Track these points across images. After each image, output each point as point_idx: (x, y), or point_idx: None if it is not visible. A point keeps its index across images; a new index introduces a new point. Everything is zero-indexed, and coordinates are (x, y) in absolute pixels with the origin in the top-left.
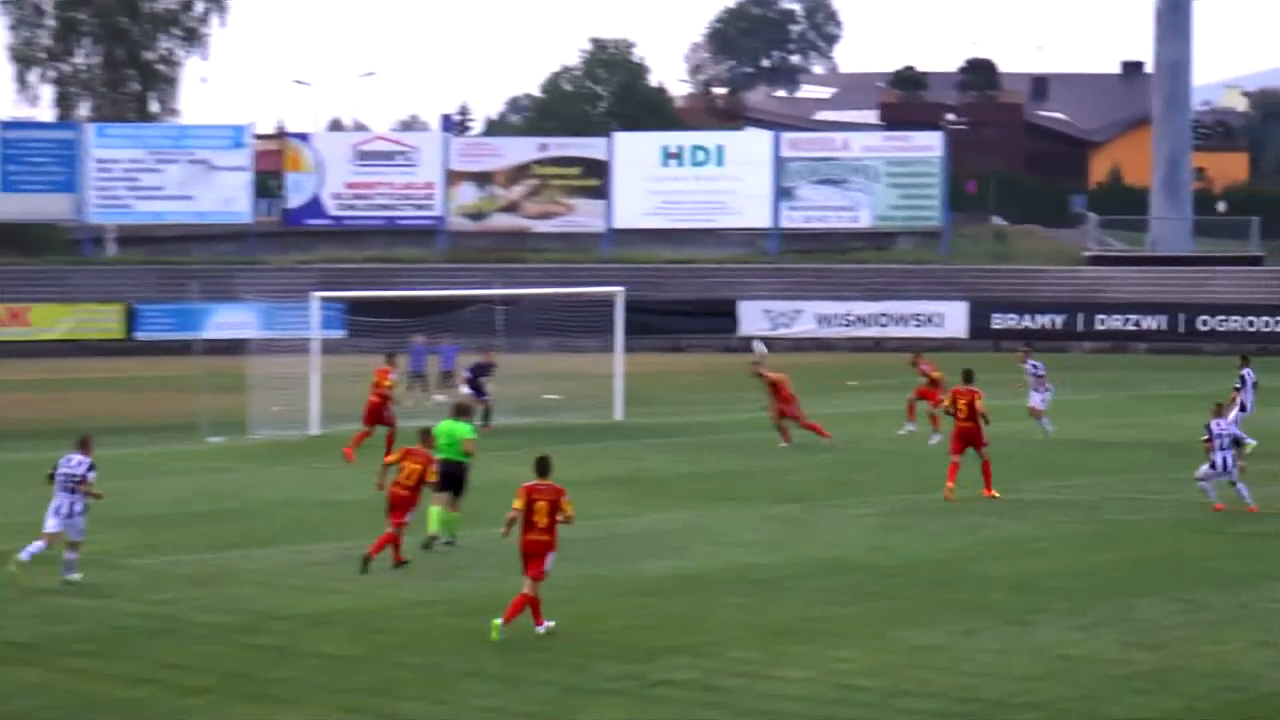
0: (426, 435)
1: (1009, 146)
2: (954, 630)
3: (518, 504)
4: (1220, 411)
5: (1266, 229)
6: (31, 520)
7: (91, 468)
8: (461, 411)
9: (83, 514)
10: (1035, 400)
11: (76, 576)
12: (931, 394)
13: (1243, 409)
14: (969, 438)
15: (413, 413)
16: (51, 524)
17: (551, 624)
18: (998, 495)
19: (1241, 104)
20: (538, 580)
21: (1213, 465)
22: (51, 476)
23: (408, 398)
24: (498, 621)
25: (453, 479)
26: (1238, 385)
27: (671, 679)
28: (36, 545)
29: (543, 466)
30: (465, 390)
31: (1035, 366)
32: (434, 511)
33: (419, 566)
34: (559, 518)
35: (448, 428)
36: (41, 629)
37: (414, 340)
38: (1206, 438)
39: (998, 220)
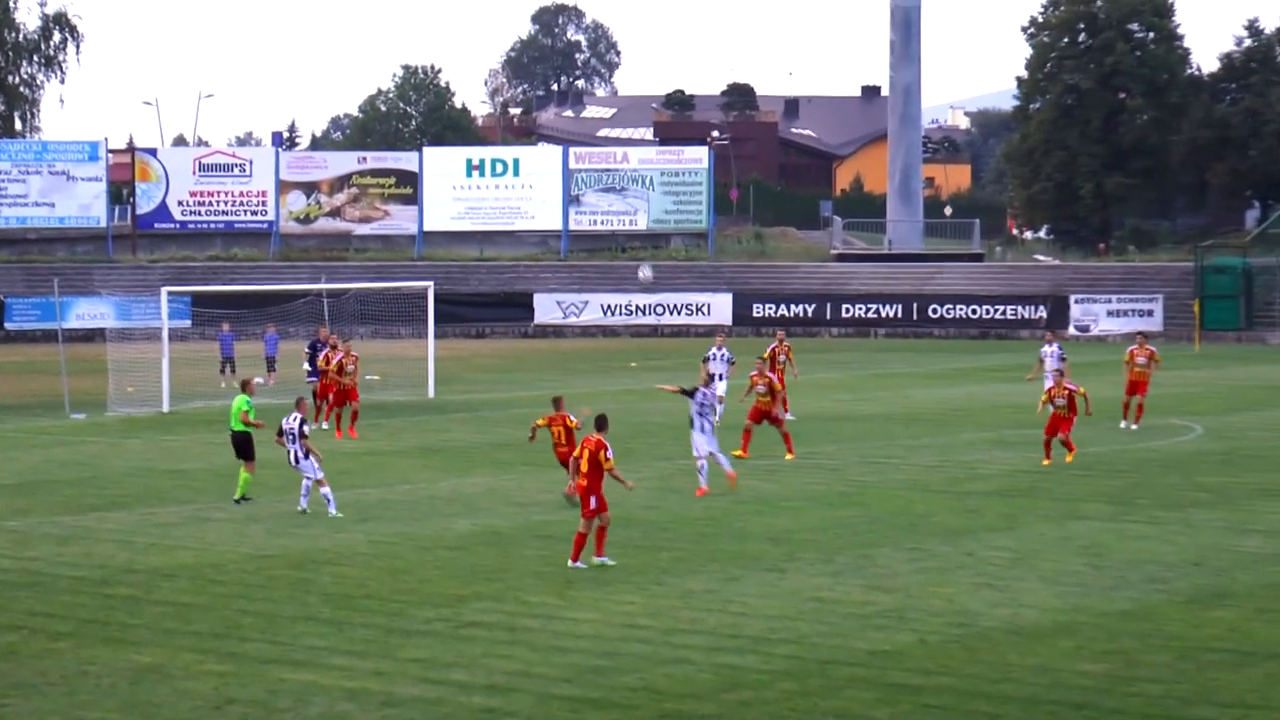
0: (558, 401)
1: (765, 159)
2: (720, 577)
3: (577, 452)
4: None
5: (986, 230)
6: None
7: None
8: (244, 386)
9: None
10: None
11: None
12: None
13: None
14: (765, 412)
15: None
16: None
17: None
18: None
19: (964, 123)
20: (590, 519)
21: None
22: None
23: (221, 380)
24: (596, 560)
25: (237, 446)
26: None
27: (478, 620)
28: None
29: (600, 422)
30: (305, 365)
31: (1057, 352)
32: (243, 477)
33: (255, 526)
34: (605, 464)
35: (236, 403)
36: None
37: (222, 328)
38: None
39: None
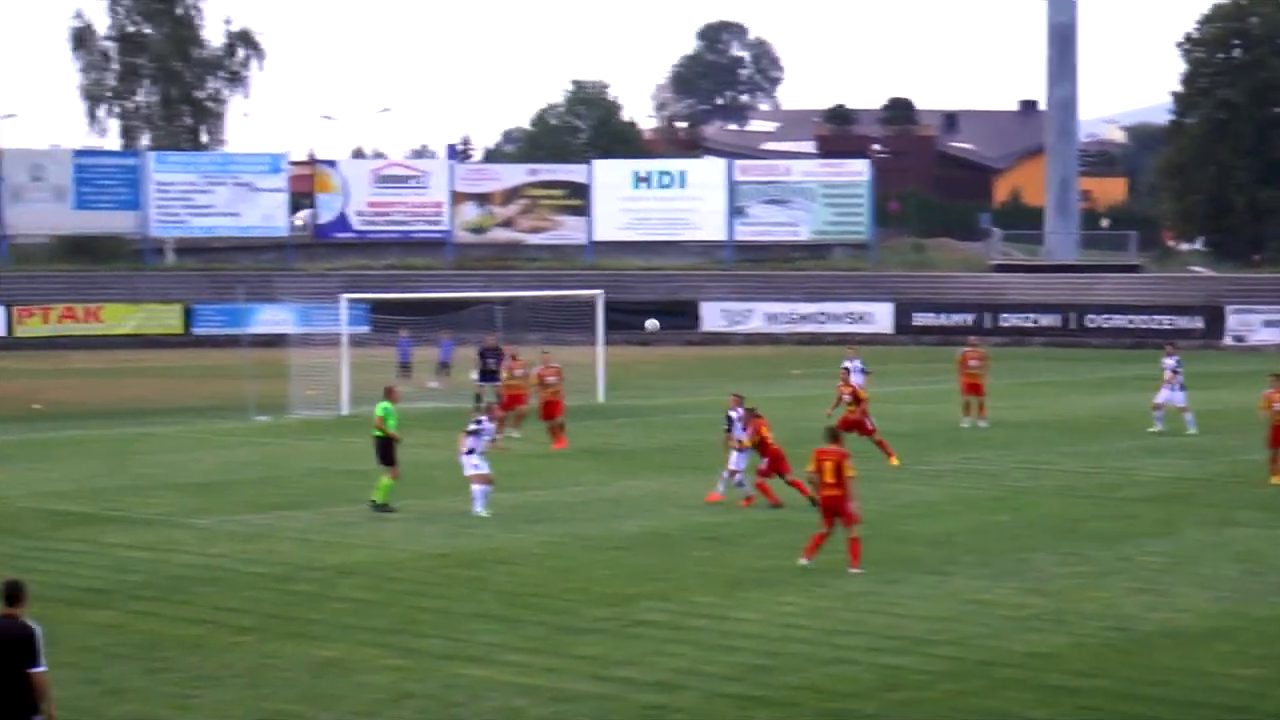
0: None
1: (924, 172)
2: (881, 579)
3: (811, 466)
4: (740, 401)
5: (1142, 242)
6: (102, 485)
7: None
8: (386, 394)
9: None
10: (1163, 396)
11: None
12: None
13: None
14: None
15: (403, 398)
16: None
17: (859, 571)
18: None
19: (1120, 136)
20: (850, 525)
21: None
22: None
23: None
24: (802, 562)
25: (380, 451)
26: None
27: (646, 619)
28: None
29: (831, 434)
30: (473, 374)
31: (1175, 363)
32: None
33: (430, 526)
34: (847, 474)
35: (379, 408)
36: (113, 577)
37: (400, 334)
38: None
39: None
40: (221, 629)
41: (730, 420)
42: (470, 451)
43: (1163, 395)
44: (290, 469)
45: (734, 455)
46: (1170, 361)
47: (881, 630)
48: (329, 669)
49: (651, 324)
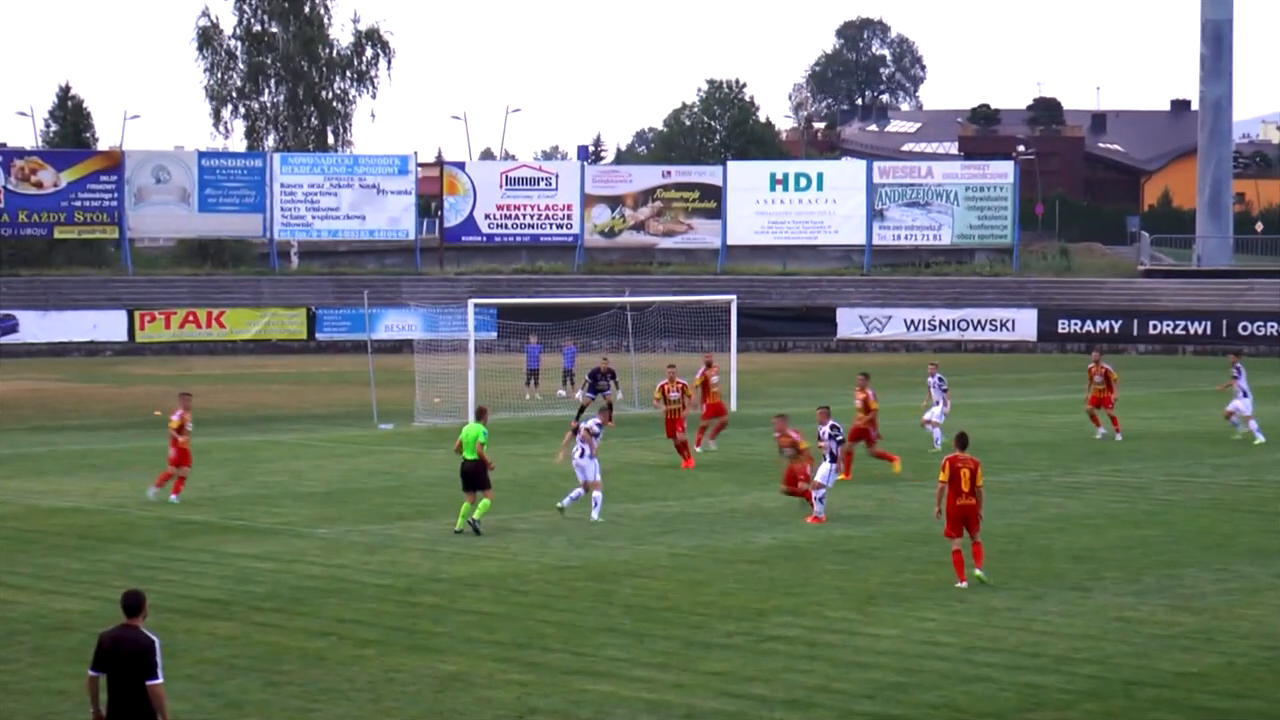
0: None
1: (1071, 174)
2: (1022, 595)
3: (943, 475)
4: (828, 414)
5: None
6: (224, 494)
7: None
8: (481, 414)
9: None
10: (1236, 404)
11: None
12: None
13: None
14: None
15: (532, 405)
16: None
17: (980, 574)
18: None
19: (1276, 137)
20: (975, 534)
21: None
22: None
23: (526, 392)
24: (978, 573)
25: (471, 476)
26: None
27: (778, 634)
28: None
29: (963, 441)
30: (580, 392)
31: (1239, 371)
32: (464, 507)
33: (557, 537)
34: (979, 483)
35: (470, 431)
36: (234, 588)
37: (529, 340)
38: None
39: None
40: (344, 642)
41: (820, 434)
42: (584, 455)
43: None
44: (415, 478)
45: (822, 468)
46: (1238, 369)
47: (1022, 647)
48: (452, 683)
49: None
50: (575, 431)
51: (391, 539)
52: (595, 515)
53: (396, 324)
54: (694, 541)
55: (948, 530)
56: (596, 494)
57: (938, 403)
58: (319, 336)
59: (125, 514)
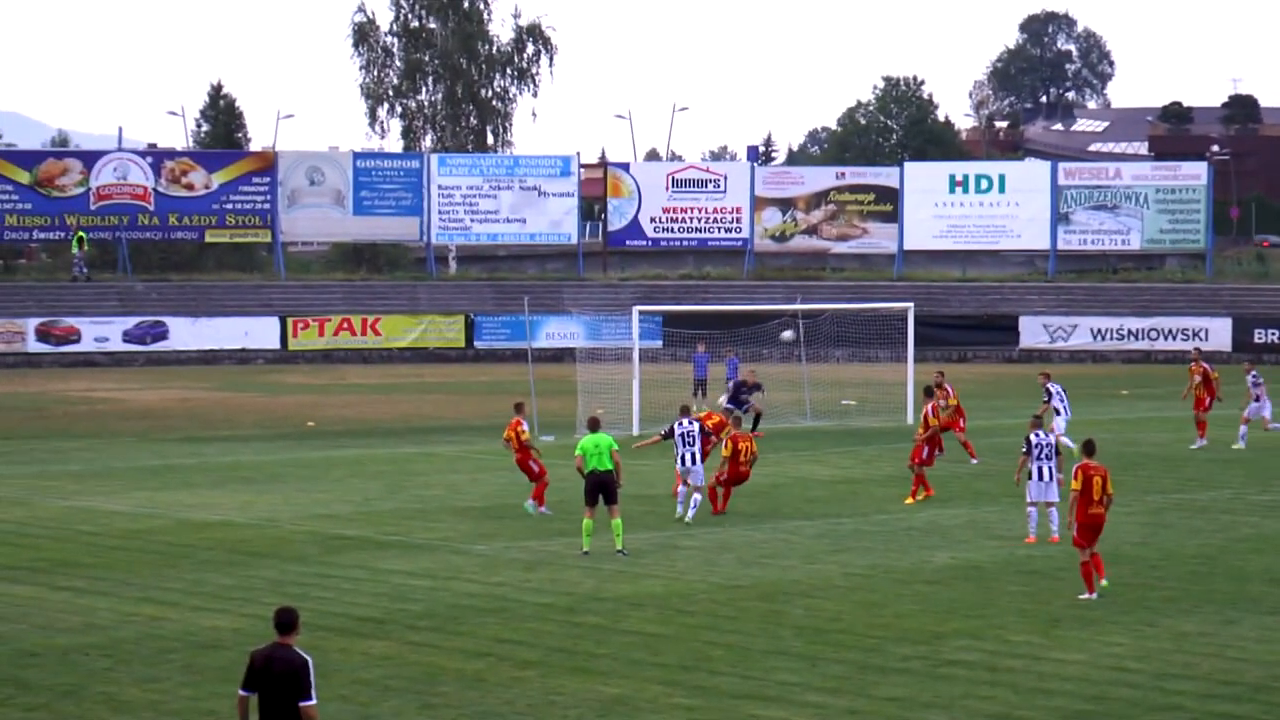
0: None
1: (1270, 175)
2: (1216, 619)
3: (1075, 484)
4: (1038, 424)
5: None
6: (379, 508)
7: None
8: (596, 425)
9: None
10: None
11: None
12: (953, 422)
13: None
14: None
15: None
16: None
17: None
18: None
19: None
20: (1091, 545)
21: (1034, 475)
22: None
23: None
24: (1104, 583)
25: (605, 488)
26: (1046, 399)
27: (958, 659)
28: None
29: (1090, 448)
30: (724, 402)
31: (1254, 378)
32: (586, 524)
33: (725, 555)
34: (1110, 491)
35: (593, 441)
36: (389, 606)
37: (697, 348)
38: (1025, 450)
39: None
40: (503, 663)
41: (1028, 443)
42: (693, 463)
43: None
44: (577, 493)
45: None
46: (1252, 377)
47: (1216, 674)
48: (616, 707)
49: (788, 335)
50: (669, 435)
51: (552, 556)
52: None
53: (558, 332)
54: (868, 560)
55: (1077, 539)
56: (696, 495)
57: (1059, 413)
58: (477, 345)
59: (277, 528)
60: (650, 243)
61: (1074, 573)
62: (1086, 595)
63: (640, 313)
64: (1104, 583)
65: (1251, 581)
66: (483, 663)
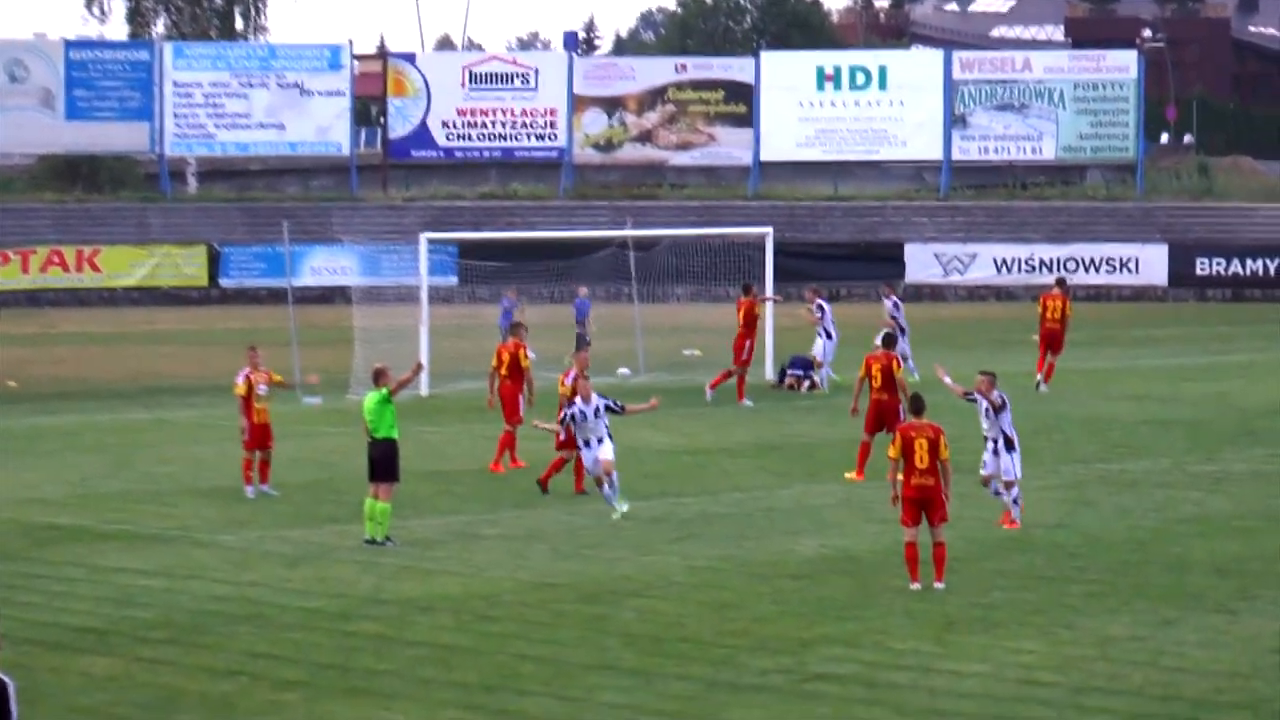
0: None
1: (1213, 68)
2: (1150, 619)
3: (893, 451)
4: (992, 383)
5: None
6: (101, 490)
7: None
8: (382, 378)
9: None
10: None
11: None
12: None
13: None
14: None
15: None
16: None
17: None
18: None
19: None
20: (937, 526)
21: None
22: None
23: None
24: (938, 585)
25: (382, 463)
26: (818, 315)
27: (829, 673)
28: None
29: (917, 405)
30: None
31: None
32: (369, 505)
33: (538, 545)
34: (942, 457)
35: (374, 399)
36: (113, 614)
37: (508, 294)
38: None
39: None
40: (258, 683)
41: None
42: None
43: None
44: (350, 469)
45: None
46: None
47: (1149, 689)
48: None
49: (623, 371)
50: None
51: (320, 549)
52: (621, 507)
53: (326, 266)
54: (718, 550)
55: (903, 518)
56: (610, 477)
57: (828, 335)
58: (223, 283)
59: None
60: (442, 153)
61: (974, 564)
62: (913, 585)
63: (430, 241)
64: (939, 585)
65: (1193, 573)
66: (232, 684)
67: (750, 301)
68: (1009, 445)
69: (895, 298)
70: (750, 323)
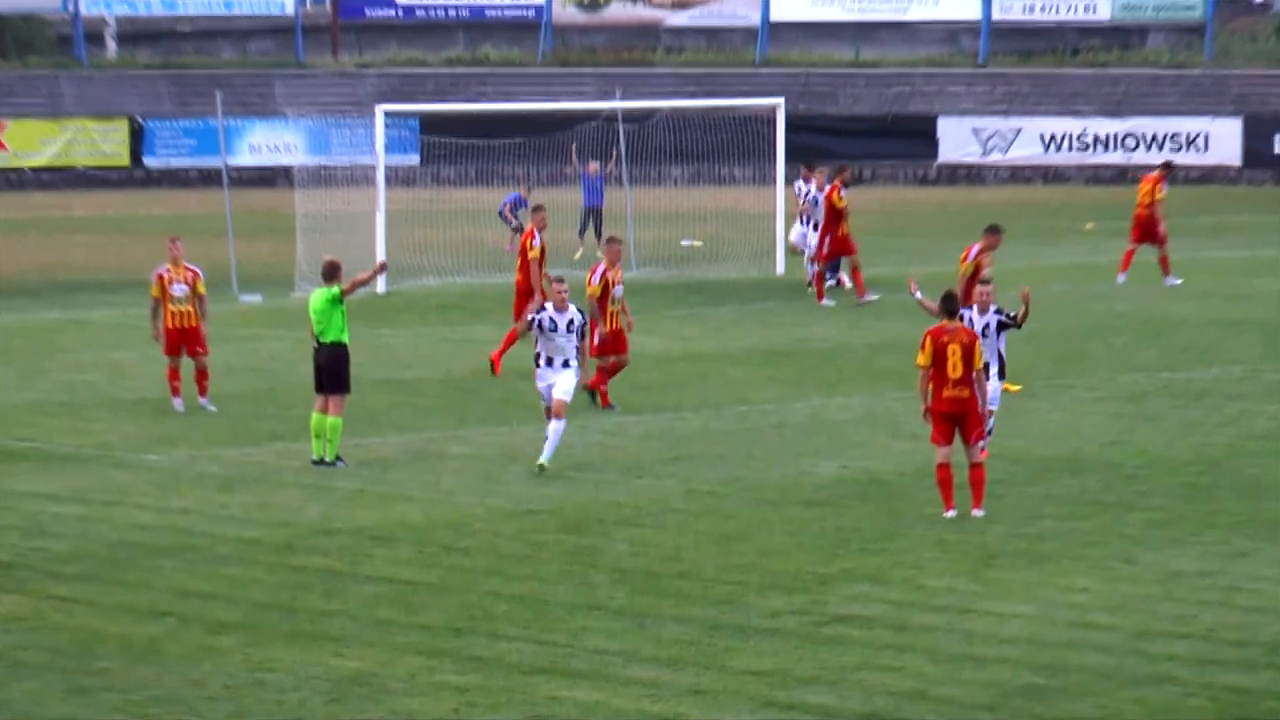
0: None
1: None
2: (1221, 551)
3: (922, 358)
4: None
5: None
6: (7, 403)
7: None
8: (333, 273)
9: None
10: None
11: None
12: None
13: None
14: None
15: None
16: None
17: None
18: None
19: None
20: (974, 445)
21: None
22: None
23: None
24: (976, 513)
25: (328, 371)
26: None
27: (851, 614)
28: None
29: (950, 304)
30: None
31: None
32: (315, 420)
33: (513, 467)
34: (977, 366)
35: (321, 298)
36: (21, 545)
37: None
38: None
39: None
40: (189, 626)
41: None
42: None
43: None
44: (295, 377)
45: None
46: None
47: (1221, 632)
48: (354, 689)
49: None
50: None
51: (260, 470)
52: (544, 457)
53: (267, 143)
54: (721, 473)
55: (934, 435)
56: (557, 424)
57: (812, 224)
58: (148, 162)
59: None
60: (401, 12)
61: (1019, 488)
62: (948, 513)
63: (387, 114)
64: (977, 512)
65: (1270, 498)
66: (159, 626)
67: (835, 186)
68: (1001, 370)
69: (815, 183)
70: (835, 216)
